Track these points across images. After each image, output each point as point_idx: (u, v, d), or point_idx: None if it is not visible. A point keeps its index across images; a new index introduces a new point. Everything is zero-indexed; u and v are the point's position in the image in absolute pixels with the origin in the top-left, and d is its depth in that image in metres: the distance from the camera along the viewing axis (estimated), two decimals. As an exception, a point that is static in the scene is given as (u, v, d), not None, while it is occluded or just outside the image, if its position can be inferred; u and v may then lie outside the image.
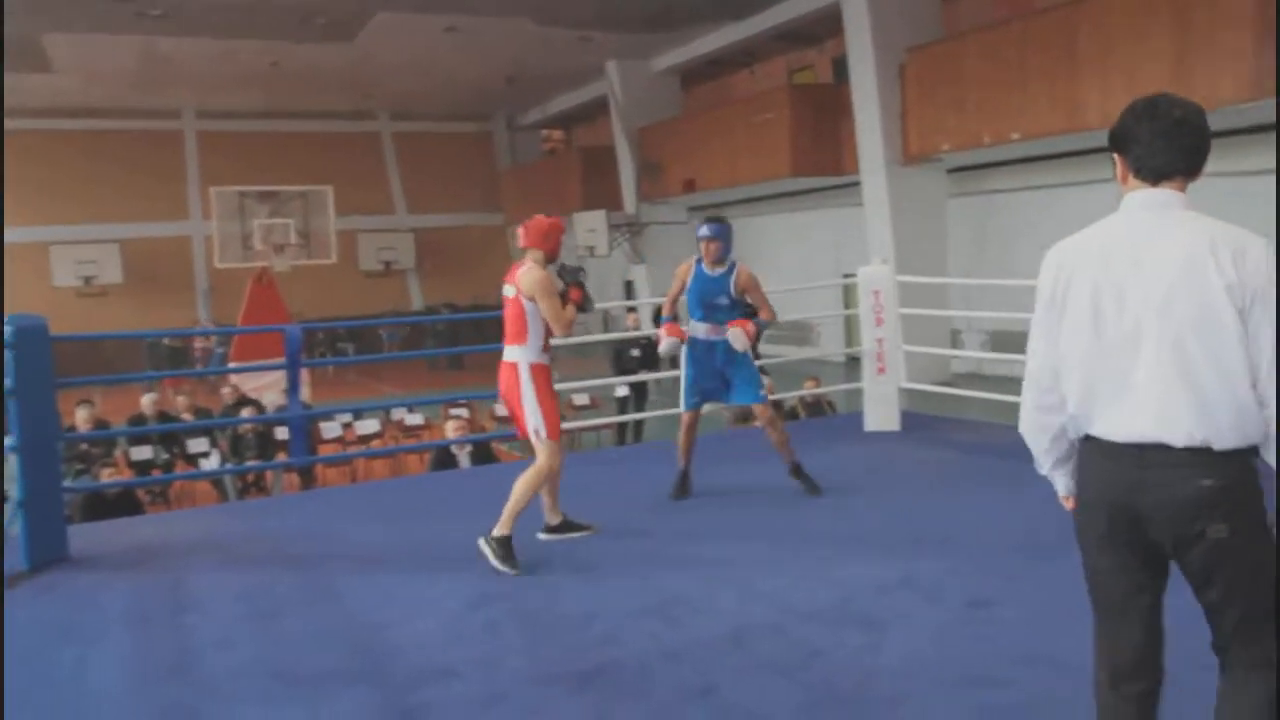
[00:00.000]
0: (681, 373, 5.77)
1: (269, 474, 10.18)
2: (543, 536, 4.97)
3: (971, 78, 14.13)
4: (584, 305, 4.82)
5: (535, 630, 3.78)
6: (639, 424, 11.23)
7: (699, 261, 5.62)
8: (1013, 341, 15.60)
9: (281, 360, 6.09)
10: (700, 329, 5.60)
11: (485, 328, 25.31)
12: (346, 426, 11.78)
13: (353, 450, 11.05)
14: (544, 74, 23.87)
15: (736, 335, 5.48)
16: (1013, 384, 9.77)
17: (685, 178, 20.81)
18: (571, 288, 4.82)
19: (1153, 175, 2.24)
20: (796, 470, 5.63)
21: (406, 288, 29.59)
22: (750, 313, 5.70)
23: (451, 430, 8.12)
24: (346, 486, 9.40)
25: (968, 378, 16.74)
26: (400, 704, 3.20)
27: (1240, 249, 2.09)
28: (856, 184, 16.65)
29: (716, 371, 5.62)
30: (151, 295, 25.58)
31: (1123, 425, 2.15)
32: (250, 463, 9.98)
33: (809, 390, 9.20)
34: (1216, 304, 2.06)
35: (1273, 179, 12.11)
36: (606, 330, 22.93)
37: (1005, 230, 16.64)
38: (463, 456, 8.06)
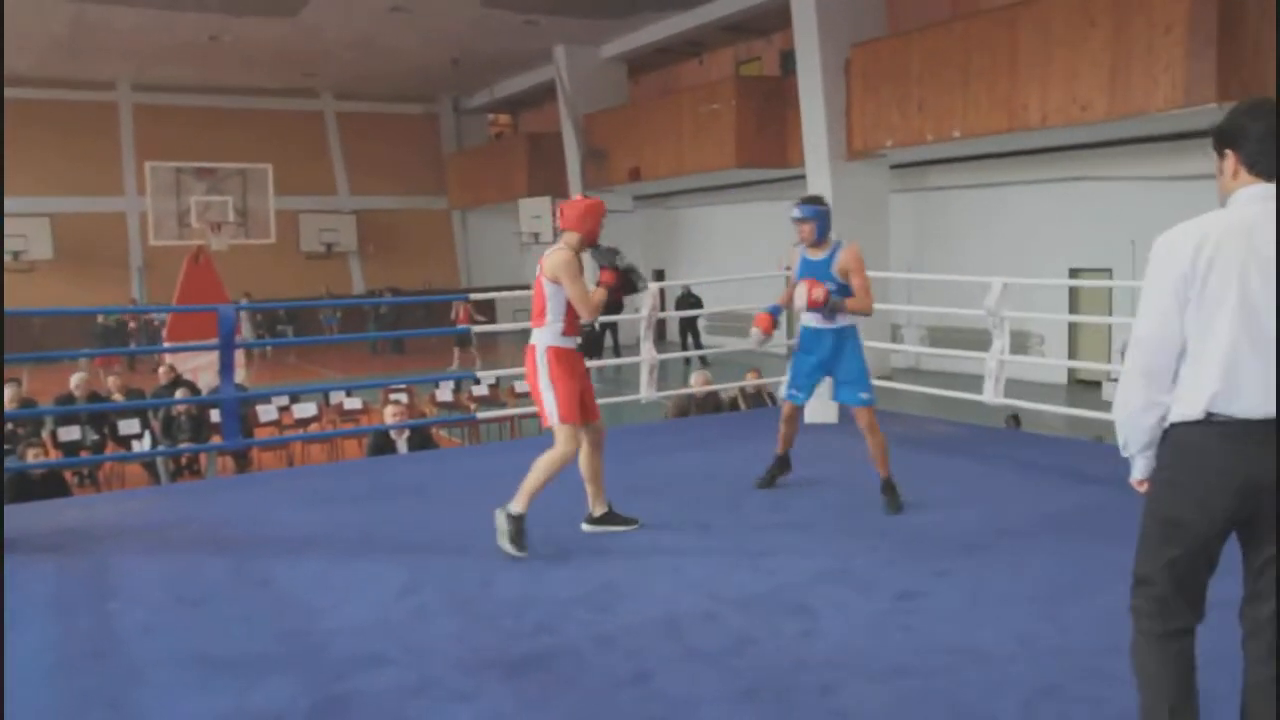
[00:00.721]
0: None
1: (202, 457, 10.01)
2: (586, 528, 4.79)
3: (915, 75, 14.30)
4: (626, 287, 4.64)
5: (468, 617, 3.76)
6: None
7: (802, 245, 5.18)
8: (951, 337, 15.93)
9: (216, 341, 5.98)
10: (809, 318, 5.17)
11: (432, 312, 25.19)
12: (283, 410, 11.62)
13: (289, 434, 10.91)
14: (491, 57, 23.68)
15: (754, 335, 5.23)
16: (950, 379, 9.95)
17: (631, 166, 20.80)
18: (604, 270, 4.64)
19: (1268, 172, 2.31)
20: (888, 486, 5.06)
21: (348, 270, 29.21)
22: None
23: (390, 415, 8.05)
24: (282, 470, 9.29)
25: (906, 372, 16.97)
26: (328, 691, 3.17)
27: None
28: (802, 177, 16.77)
29: (823, 363, 5.20)
30: (84, 272, 24.96)
31: (1266, 399, 2.22)
32: (183, 445, 9.80)
33: (750, 381, 9.26)
34: None
35: (1205, 184, 12.45)
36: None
37: (947, 227, 16.89)
38: (401, 442, 8.00)
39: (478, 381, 13.03)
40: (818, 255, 5.12)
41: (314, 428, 11.37)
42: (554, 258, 4.54)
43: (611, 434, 5.23)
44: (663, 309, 20.11)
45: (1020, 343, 14.86)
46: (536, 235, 22.59)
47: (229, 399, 5.70)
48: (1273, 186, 2.31)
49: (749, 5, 18.13)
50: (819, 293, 4.96)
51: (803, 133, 16.45)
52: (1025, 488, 5.60)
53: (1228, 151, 2.38)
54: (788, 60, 17.97)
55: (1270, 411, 2.23)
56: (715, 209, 21.76)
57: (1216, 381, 2.25)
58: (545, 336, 4.58)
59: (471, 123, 31.13)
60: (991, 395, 6.64)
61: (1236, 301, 2.24)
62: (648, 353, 7.37)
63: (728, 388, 9.59)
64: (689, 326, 20.50)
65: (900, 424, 7.57)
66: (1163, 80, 11.13)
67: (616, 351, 20.74)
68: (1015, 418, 9.28)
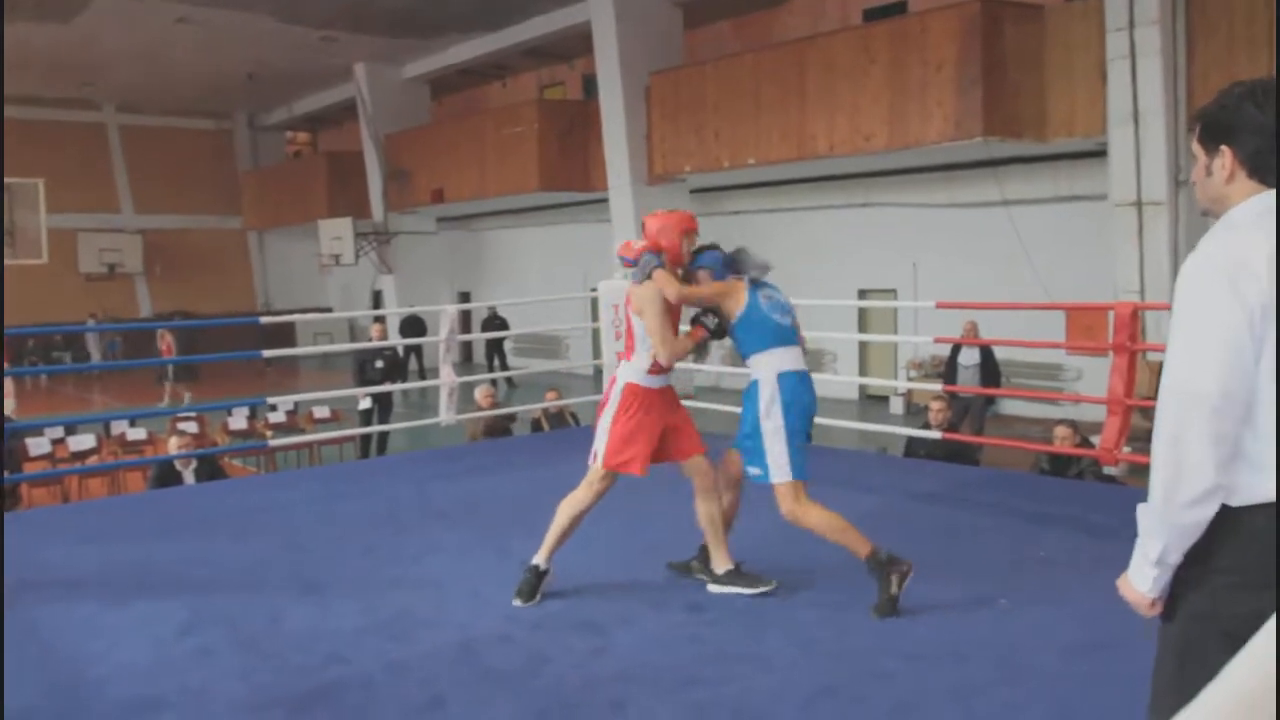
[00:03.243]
0: (778, 427, 3.99)
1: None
2: (713, 589, 4.17)
3: (711, 104, 14.80)
4: (711, 334, 4.12)
5: (254, 654, 3.63)
6: (383, 436, 10.98)
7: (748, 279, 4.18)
8: (750, 355, 16.44)
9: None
10: (790, 358, 4.09)
11: (226, 337, 24.02)
12: (57, 442, 10.82)
13: (62, 468, 10.17)
14: (288, 73, 22.93)
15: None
16: (745, 396, 10.11)
17: (434, 187, 20.58)
18: (696, 327, 4.16)
19: (1271, 175, 1.83)
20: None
21: (134, 293, 27.53)
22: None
23: (175, 445, 7.64)
24: (55, 507, 8.65)
25: (709, 390, 17.45)
26: (98, 740, 3.00)
27: None
28: (604, 200, 17.03)
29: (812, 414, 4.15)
30: None
31: None
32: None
33: (551, 402, 9.31)
34: None
35: (976, 211, 13.41)
36: (353, 340, 22.32)
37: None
38: (188, 473, 7.61)
39: (274, 408, 12.54)
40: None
41: (94, 460, 10.65)
42: (640, 290, 4.05)
43: (411, 458, 5.16)
44: (469, 331, 20.01)
45: (814, 360, 15.53)
46: (337, 257, 21.99)
47: (-12, 433, 5.28)
48: (1272, 194, 1.84)
49: (551, 30, 18.30)
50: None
51: (605, 156, 16.72)
52: (812, 499, 5.85)
53: (1222, 147, 1.87)
54: (590, 85, 18.24)
55: None
56: (521, 231, 21.78)
57: (1264, 454, 1.72)
58: (627, 372, 4.14)
59: (268, 140, 30.02)
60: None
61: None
62: (447, 375, 7.32)
63: (532, 409, 9.62)
64: (495, 348, 20.41)
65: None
66: (936, 114, 11.95)
67: (421, 374, 20.40)
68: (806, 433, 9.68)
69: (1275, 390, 1.70)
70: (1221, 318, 1.73)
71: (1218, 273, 1.75)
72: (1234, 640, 1.35)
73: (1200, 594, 1.79)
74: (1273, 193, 1.82)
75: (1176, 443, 1.76)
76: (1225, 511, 1.75)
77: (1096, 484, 6.71)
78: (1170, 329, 1.82)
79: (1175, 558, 1.80)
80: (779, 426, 3.97)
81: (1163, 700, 1.81)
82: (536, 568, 4.12)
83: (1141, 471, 9.59)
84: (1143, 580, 1.85)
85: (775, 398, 3.98)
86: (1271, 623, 0.92)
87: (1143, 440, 10.40)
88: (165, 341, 18.83)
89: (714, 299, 4.12)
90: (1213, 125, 1.90)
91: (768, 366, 4.03)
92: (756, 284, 4.16)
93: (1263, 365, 1.71)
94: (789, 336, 4.09)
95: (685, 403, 4.56)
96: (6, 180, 15.28)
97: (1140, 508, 1.85)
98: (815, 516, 4.00)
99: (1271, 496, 1.72)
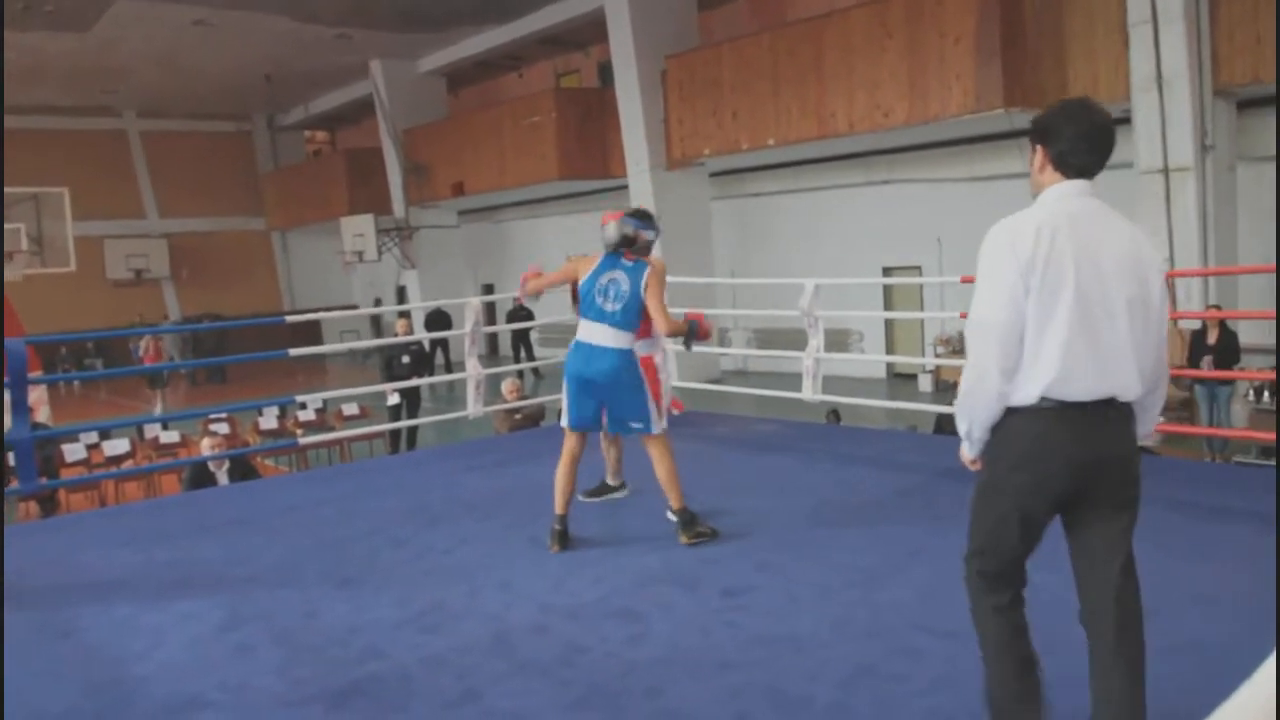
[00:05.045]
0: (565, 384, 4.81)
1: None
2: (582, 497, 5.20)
3: (728, 85, 14.72)
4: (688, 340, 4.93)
5: (291, 649, 3.66)
6: (412, 431, 11.04)
7: None
8: (778, 338, 16.41)
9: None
10: (584, 331, 4.76)
11: (253, 337, 24.18)
12: (92, 447, 10.96)
13: (98, 472, 10.30)
14: (305, 72, 23.03)
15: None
16: (777, 379, 10.28)
17: (454, 180, 20.63)
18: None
19: (1075, 171, 2.49)
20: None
21: (162, 298, 27.77)
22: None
23: (207, 446, 7.72)
24: (92, 512, 8.75)
25: (735, 374, 17.42)
26: (141, 740, 3.03)
27: (1149, 241, 2.53)
28: (624, 187, 17.00)
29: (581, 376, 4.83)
30: None
31: (1097, 383, 2.40)
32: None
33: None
34: (1151, 282, 2.46)
35: (999, 184, 13.27)
36: (378, 336, 22.41)
37: (767, 231, 17.43)
38: (221, 473, 7.69)
39: (303, 406, 12.63)
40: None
41: (128, 464, 10.77)
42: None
43: (440, 452, 5.18)
44: (493, 323, 20.07)
45: (840, 340, 15.47)
46: (360, 254, 22.09)
47: (23, 439, 5.35)
48: (1081, 184, 2.48)
49: (566, 18, 18.27)
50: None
51: (623, 143, 16.68)
52: (843, 480, 5.84)
53: (1039, 146, 2.53)
54: (606, 72, 18.20)
55: (1098, 394, 2.41)
56: (541, 221, 21.80)
57: (1054, 369, 2.38)
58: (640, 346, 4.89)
59: (288, 140, 30.17)
60: (810, 392, 6.90)
61: (1072, 293, 2.37)
62: (473, 368, 7.33)
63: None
64: (521, 339, 20.45)
65: (725, 425, 7.79)
66: (955, 88, 11.83)
67: (448, 368, 20.48)
68: (835, 413, 9.66)
69: (1059, 316, 2.38)
70: (1002, 270, 2.41)
71: (1002, 236, 2.44)
72: (1001, 496, 2.50)
73: (987, 464, 2.57)
74: (1070, 182, 2.49)
75: (975, 360, 2.48)
76: (1006, 410, 2.46)
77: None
78: (976, 277, 2.47)
79: (979, 434, 2.54)
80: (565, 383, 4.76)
81: (973, 525, 2.62)
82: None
83: (1175, 441, 9.51)
84: (965, 449, 2.63)
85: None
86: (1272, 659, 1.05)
87: (1175, 409, 10.31)
88: (153, 348, 18.82)
89: (571, 273, 4.88)
90: (1036, 129, 2.54)
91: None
92: (616, 263, 4.69)
93: (1029, 303, 2.38)
94: (600, 315, 4.63)
95: (711, 387, 4.73)
96: (33, 190, 15.46)
97: (956, 400, 2.56)
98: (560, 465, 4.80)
99: (1033, 400, 2.42)
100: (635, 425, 4.68)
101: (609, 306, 4.61)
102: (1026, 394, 2.42)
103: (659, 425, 4.68)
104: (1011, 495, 2.48)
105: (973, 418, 2.52)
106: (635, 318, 4.63)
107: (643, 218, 4.78)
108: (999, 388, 2.43)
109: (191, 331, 24.44)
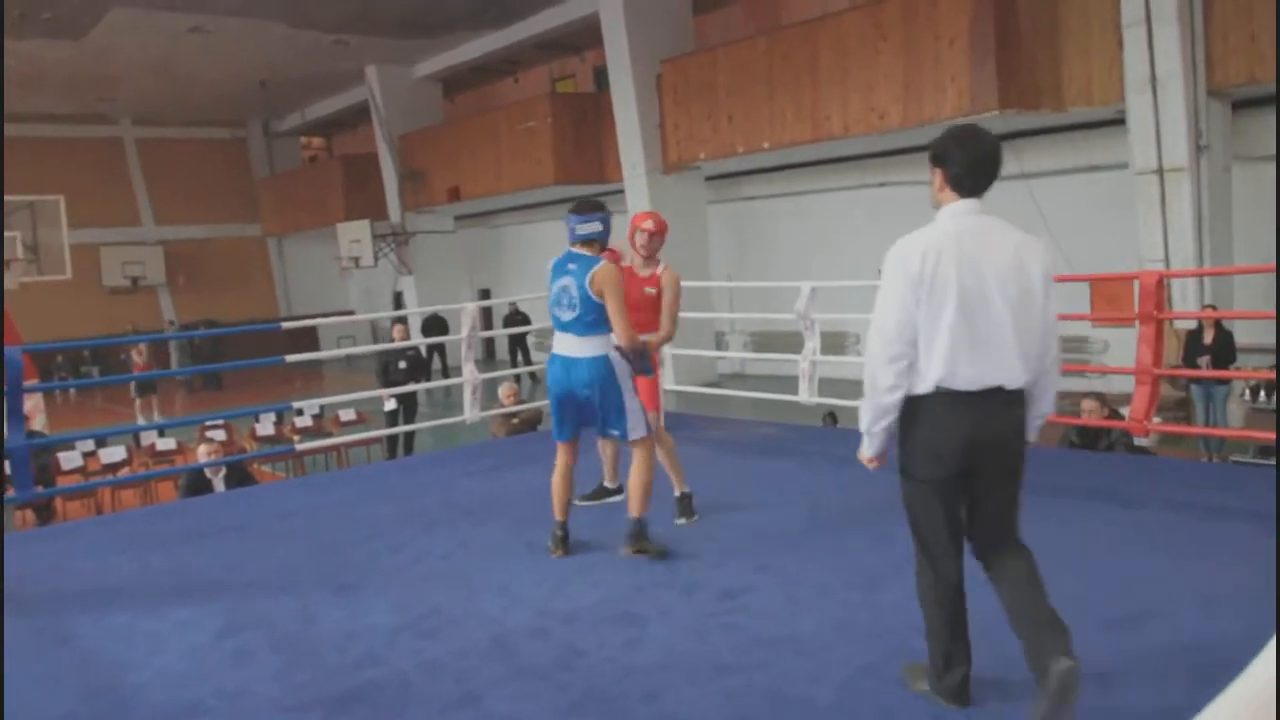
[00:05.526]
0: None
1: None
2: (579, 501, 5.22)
3: (723, 89, 14.73)
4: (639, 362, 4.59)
5: (289, 655, 3.65)
6: (410, 436, 11.03)
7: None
8: (775, 341, 16.40)
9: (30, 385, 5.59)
10: (557, 343, 4.71)
11: (250, 343, 24.15)
12: (89, 455, 10.93)
13: (94, 480, 10.27)
14: (300, 78, 23.01)
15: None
16: (773, 382, 10.25)
17: (450, 186, 20.62)
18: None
19: (969, 191, 2.83)
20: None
21: (158, 304, 27.74)
22: None
23: (203, 453, 7.71)
24: (89, 519, 8.73)
25: (732, 377, 17.42)
26: (139, 747, 3.02)
27: (1038, 247, 2.84)
28: (620, 191, 17.00)
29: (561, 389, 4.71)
30: None
31: (982, 375, 2.75)
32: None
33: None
34: (1034, 285, 2.78)
35: (1005, 184, 13.28)
36: (375, 341, 22.40)
37: (762, 235, 17.44)
38: (217, 480, 7.68)
39: (300, 412, 12.61)
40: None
41: (125, 472, 10.75)
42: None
43: (437, 457, 5.18)
44: (490, 328, 20.05)
45: (837, 343, 15.47)
46: (357, 260, 22.08)
47: (18, 447, 5.34)
48: (974, 202, 2.82)
49: (560, 22, 18.27)
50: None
51: (619, 147, 16.68)
52: (840, 482, 5.84)
53: (937, 169, 2.86)
54: (601, 77, 18.21)
55: (985, 384, 2.76)
56: (538, 225, 21.79)
57: (942, 366, 2.75)
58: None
59: (283, 146, 30.14)
60: (806, 395, 6.90)
61: (955, 301, 2.72)
62: (469, 373, 7.32)
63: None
64: (518, 343, 20.45)
65: (721, 428, 7.79)
66: (950, 89, 11.84)
67: (445, 373, 20.46)
68: (831, 415, 9.65)
69: (945, 318, 2.73)
70: (896, 283, 2.78)
71: (897, 254, 2.81)
72: (919, 477, 2.86)
73: (905, 459, 2.90)
74: (963, 201, 2.82)
75: (872, 359, 2.84)
76: (908, 400, 2.82)
77: (1128, 455, 6.65)
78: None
79: (878, 429, 2.92)
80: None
81: (908, 515, 2.96)
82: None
83: (1172, 441, 9.51)
84: (865, 447, 2.99)
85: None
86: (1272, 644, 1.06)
87: (1171, 409, 10.30)
88: (141, 357, 18.75)
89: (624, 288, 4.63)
90: (934, 155, 2.86)
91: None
92: (564, 269, 4.54)
93: (920, 312, 2.75)
94: (562, 325, 4.55)
95: (708, 390, 4.69)
96: (29, 198, 15.45)
97: (861, 401, 2.91)
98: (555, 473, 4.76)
99: (930, 390, 2.77)
100: (613, 432, 4.64)
101: (565, 316, 4.50)
102: (925, 386, 2.78)
103: (637, 432, 4.57)
104: (924, 473, 2.84)
105: (871, 411, 2.89)
106: (593, 319, 4.44)
107: (580, 209, 4.57)
108: (890, 382, 2.80)
109: (188, 338, 24.37)
